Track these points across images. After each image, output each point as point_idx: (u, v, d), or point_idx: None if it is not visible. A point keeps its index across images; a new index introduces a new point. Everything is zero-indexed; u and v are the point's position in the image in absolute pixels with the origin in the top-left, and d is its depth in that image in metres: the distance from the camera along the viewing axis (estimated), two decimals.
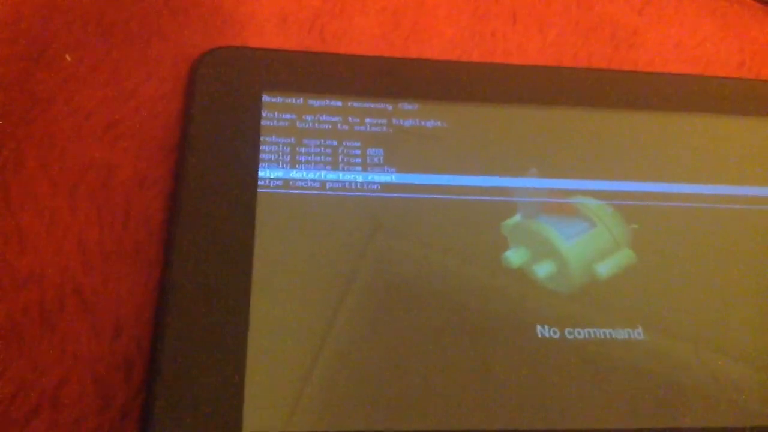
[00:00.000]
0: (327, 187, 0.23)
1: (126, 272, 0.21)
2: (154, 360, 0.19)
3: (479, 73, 0.26)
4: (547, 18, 0.30)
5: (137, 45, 0.26)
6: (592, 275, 0.23)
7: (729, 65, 0.30)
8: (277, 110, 0.24)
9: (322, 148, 0.24)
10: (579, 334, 0.21)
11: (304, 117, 0.24)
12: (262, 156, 0.23)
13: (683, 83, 0.27)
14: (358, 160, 0.24)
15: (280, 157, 0.23)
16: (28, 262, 0.21)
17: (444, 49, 0.28)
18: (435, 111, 0.25)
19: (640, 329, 0.22)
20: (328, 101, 0.24)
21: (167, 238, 0.21)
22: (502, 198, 0.24)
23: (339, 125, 0.24)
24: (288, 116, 0.24)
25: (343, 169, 0.23)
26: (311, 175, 0.23)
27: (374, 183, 0.23)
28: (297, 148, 0.23)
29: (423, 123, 0.25)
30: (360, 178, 0.23)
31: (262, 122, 0.24)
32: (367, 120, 0.24)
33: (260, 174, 0.23)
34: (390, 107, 0.25)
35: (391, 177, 0.23)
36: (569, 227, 0.23)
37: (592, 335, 0.21)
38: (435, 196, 0.23)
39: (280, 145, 0.23)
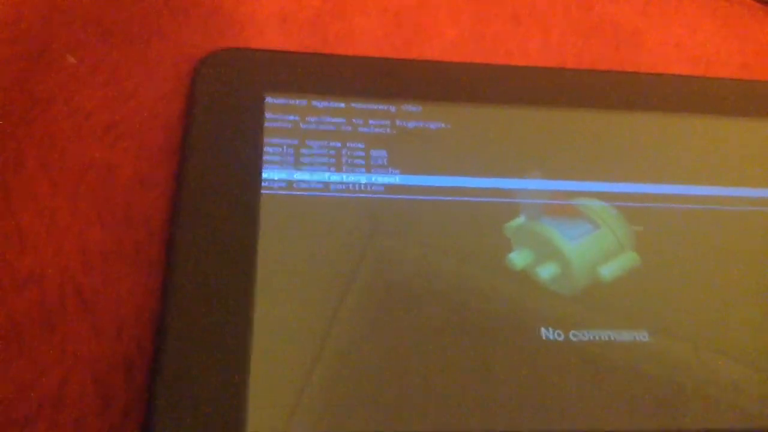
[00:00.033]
0: (331, 188, 0.23)
1: (126, 272, 0.21)
2: (156, 360, 0.19)
3: (483, 74, 0.26)
4: (548, 19, 0.30)
5: (137, 45, 0.26)
6: (596, 277, 0.23)
7: (730, 65, 0.30)
8: (280, 112, 0.24)
9: (326, 150, 0.24)
10: (583, 336, 0.21)
11: (307, 118, 0.24)
12: (265, 157, 0.23)
13: (686, 84, 0.27)
14: (362, 161, 0.24)
15: (284, 159, 0.23)
16: (28, 262, 0.21)
17: (445, 51, 0.28)
18: (438, 112, 0.25)
19: (644, 332, 0.22)
20: (331, 103, 0.24)
21: (169, 238, 0.21)
22: (506, 199, 0.24)
23: (342, 127, 0.24)
24: (291, 118, 0.24)
25: (346, 171, 0.23)
26: (315, 177, 0.23)
27: (378, 184, 0.23)
28: (300, 150, 0.23)
29: (426, 124, 0.25)
30: (364, 180, 0.23)
31: (266, 124, 0.24)
32: (371, 121, 0.24)
33: (264, 175, 0.23)
34: (393, 109, 0.25)
35: (395, 178, 0.23)
36: (573, 229, 0.23)
37: (597, 337, 0.21)
38: (438, 197, 0.23)
39: (284, 147, 0.23)
